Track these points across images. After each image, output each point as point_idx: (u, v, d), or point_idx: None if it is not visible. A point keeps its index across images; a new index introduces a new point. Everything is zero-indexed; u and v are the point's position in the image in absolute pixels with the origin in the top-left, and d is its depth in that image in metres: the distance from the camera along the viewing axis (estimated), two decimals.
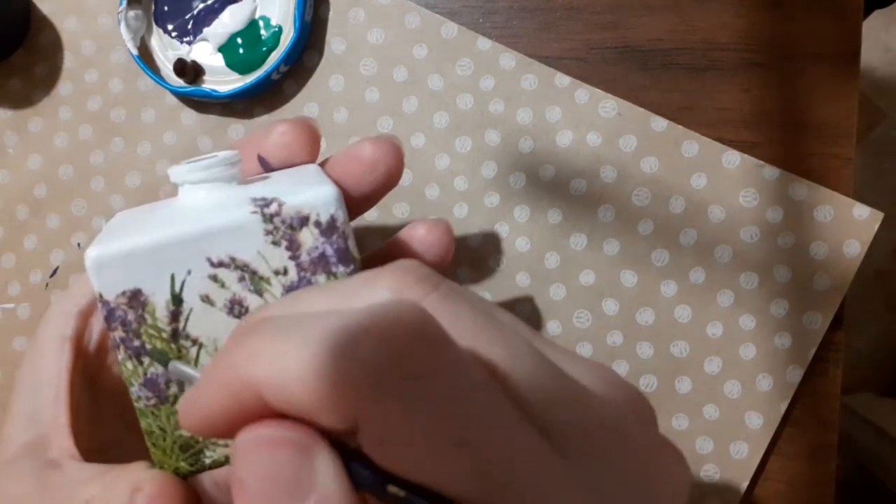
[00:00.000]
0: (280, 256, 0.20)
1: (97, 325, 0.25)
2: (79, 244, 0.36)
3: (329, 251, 0.20)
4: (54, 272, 0.36)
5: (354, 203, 0.24)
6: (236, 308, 0.20)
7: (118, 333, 0.20)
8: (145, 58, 0.35)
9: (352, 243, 0.20)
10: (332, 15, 0.35)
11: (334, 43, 0.35)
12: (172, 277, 0.20)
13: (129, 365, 0.20)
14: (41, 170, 0.36)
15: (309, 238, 0.20)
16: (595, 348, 0.33)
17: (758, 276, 0.32)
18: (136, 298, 0.20)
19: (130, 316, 0.20)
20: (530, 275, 0.33)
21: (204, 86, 0.34)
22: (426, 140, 0.34)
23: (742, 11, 0.32)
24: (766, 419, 0.32)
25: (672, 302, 0.33)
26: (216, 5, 0.35)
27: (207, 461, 0.21)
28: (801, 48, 0.32)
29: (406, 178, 0.34)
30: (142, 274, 0.20)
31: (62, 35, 0.36)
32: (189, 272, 0.20)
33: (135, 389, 0.20)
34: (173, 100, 0.36)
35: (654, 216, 0.33)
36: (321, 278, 0.20)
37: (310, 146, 0.24)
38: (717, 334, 0.33)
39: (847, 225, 0.32)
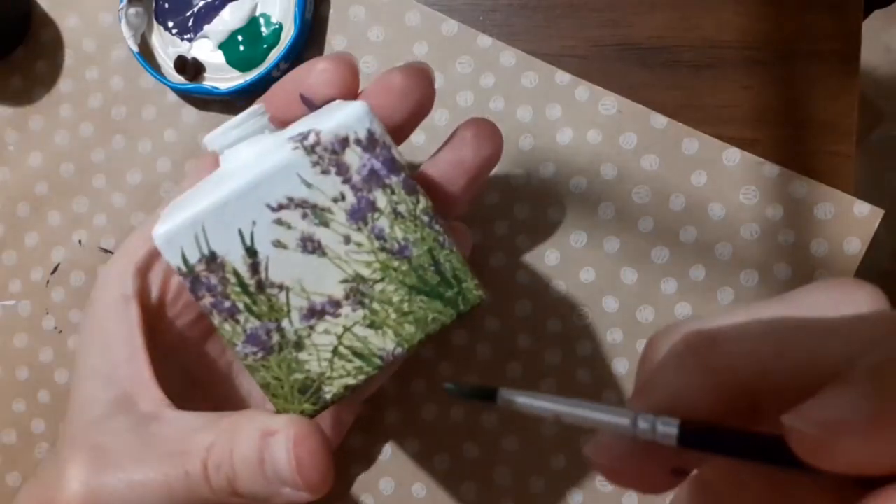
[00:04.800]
0: (333, 183, 0.20)
1: (156, 280, 0.25)
2: (80, 241, 0.36)
3: (377, 165, 0.20)
4: (55, 269, 0.36)
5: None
6: (309, 244, 0.20)
7: (207, 300, 0.20)
8: (146, 55, 0.35)
9: (396, 151, 0.21)
10: (332, 12, 0.35)
11: (335, 40, 0.35)
12: (240, 232, 0.20)
13: (227, 327, 0.20)
14: (42, 167, 0.36)
15: (354, 158, 0.20)
16: (595, 345, 0.33)
17: (758, 273, 0.32)
18: (213, 262, 0.20)
19: (214, 280, 0.20)
20: (530, 272, 0.33)
21: (204, 83, 0.34)
22: (427, 138, 0.34)
23: (742, 9, 0.33)
24: None
25: (672, 299, 0.33)
26: (217, 2, 0.35)
27: (328, 396, 0.21)
28: (802, 45, 0.32)
29: None
30: (211, 237, 0.20)
31: (63, 32, 0.36)
32: (254, 223, 0.20)
33: (239, 348, 0.21)
34: (174, 97, 0.36)
35: (654, 213, 0.33)
36: (378, 193, 0.20)
37: (349, 81, 0.23)
38: None
39: (847, 222, 0.32)
